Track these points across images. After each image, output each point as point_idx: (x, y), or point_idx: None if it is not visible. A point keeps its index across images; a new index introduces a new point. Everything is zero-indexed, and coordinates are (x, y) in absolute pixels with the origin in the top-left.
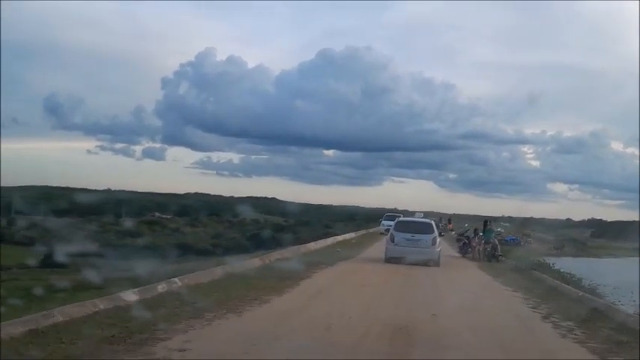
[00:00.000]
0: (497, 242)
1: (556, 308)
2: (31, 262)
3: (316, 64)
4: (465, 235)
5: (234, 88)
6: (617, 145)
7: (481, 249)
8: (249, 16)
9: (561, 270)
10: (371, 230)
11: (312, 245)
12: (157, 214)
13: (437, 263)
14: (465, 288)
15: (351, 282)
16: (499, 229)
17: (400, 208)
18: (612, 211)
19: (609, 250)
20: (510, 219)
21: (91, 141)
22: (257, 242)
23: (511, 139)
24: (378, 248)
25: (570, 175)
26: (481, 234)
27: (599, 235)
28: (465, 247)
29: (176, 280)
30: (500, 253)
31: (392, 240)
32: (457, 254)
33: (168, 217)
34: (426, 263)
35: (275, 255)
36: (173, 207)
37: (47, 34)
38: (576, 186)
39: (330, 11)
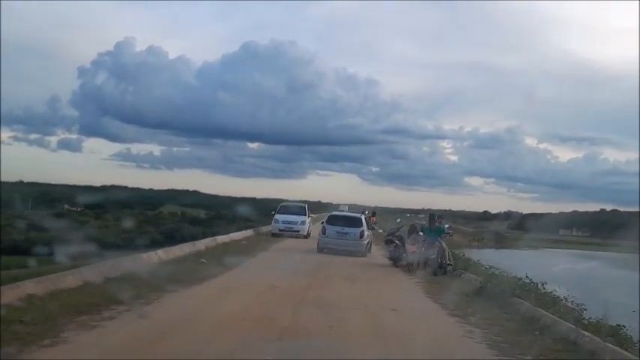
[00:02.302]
0: (445, 246)
1: None
2: None
3: (240, 57)
4: (397, 234)
5: (155, 78)
6: (531, 141)
7: (421, 256)
8: (171, 5)
9: (560, 297)
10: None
11: (177, 250)
12: (67, 206)
13: (364, 255)
14: None
15: None
16: (447, 225)
17: (324, 200)
18: (526, 204)
19: (527, 241)
20: (430, 211)
21: (4, 131)
22: (170, 237)
23: (431, 134)
24: (269, 256)
25: (486, 169)
26: (421, 233)
27: (516, 227)
28: (397, 251)
29: None
30: (449, 262)
31: (323, 232)
32: (386, 262)
33: (78, 209)
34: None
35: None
36: (87, 199)
37: None
38: (492, 180)
39: (254, 3)
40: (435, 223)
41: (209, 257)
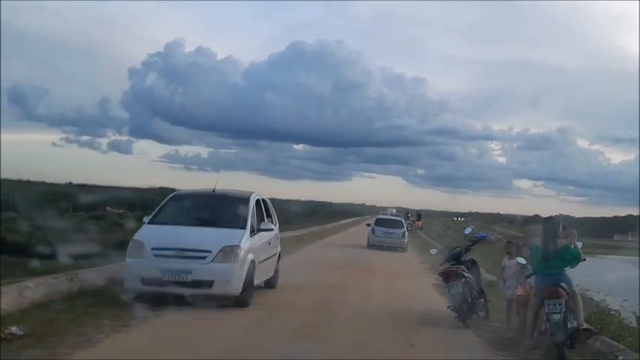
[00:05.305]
0: (576, 290)
1: None
2: None
3: (287, 57)
4: (466, 259)
5: (203, 79)
6: (582, 142)
7: (529, 314)
8: (219, 6)
9: None
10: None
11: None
12: (108, 208)
13: (405, 250)
14: None
15: None
16: (580, 244)
17: (369, 203)
18: (576, 208)
19: (583, 248)
20: (477, 215)
21: (56, 133)
22: None
23: (479, 135)
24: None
25: (536, 171)
26: (521, 260)
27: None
28: (467, 293)
29: None
30: (586, 326)
31: (373, 232)
32: (445, 311)
33: (120, 211)
34: None
35: None
36: (133, 201)
37: (11, 24)
38: (541, 182)
39: (300, 2)
40: (556, 238)
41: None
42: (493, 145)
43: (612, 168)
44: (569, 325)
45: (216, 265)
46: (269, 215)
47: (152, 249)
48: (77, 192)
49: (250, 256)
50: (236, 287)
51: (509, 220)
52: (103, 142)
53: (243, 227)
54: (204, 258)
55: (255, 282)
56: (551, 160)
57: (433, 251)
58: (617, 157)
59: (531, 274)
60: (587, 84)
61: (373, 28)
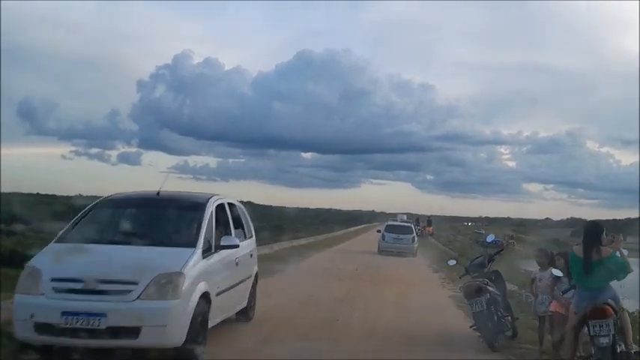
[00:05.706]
0: (624, 306)
1: None
2: None
3: (294, 66)
4: (489, 271)
5: (211, 90)
6: (592, 145)
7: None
8: (226, 17)
9: None
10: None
11: None
12: None
13: (414, 255)
14: None
15: None
16: (626, 252)
17: (378, 210)
18: (587, 210)
19: None
20: (488, 219)
21: (66, 146)
22: None
23: (488, 139)
24: None
25: (546, 175)
26: (557, 272)
27: (580, 235)
28: (492, 311)
29: None
30: (634, 347)
31: (383, 238)
32: (466, 328)
33: None
34: None
35: None
36: None
37: (20, 37)
38: (551, 186)
39: (306, 12)
40: (600, 245)
41: None
42: (502, 149)
43: (623, 170)
44: (617, 350)
45: (145, 304)
46: (239, 226)
47: (52, 280)
48: (87, 204)
49: (201, 287)
50: (176, 335)
51: (519, 224)
52: (113, 154)
53: (192, 245)
54: (127, 293)
55: (212, 322)
56: (560, 163)
57: (451, 262)
58: (627, 159)
59: (569, 289)
60: (596, 86)
61: (380, 35)
